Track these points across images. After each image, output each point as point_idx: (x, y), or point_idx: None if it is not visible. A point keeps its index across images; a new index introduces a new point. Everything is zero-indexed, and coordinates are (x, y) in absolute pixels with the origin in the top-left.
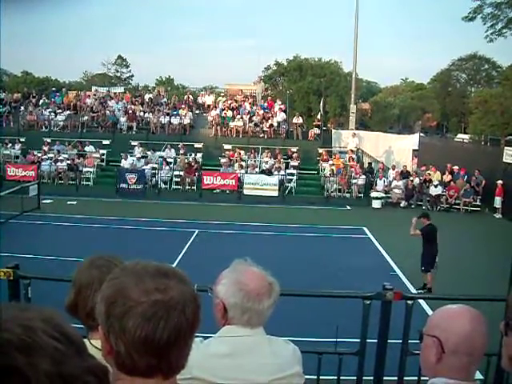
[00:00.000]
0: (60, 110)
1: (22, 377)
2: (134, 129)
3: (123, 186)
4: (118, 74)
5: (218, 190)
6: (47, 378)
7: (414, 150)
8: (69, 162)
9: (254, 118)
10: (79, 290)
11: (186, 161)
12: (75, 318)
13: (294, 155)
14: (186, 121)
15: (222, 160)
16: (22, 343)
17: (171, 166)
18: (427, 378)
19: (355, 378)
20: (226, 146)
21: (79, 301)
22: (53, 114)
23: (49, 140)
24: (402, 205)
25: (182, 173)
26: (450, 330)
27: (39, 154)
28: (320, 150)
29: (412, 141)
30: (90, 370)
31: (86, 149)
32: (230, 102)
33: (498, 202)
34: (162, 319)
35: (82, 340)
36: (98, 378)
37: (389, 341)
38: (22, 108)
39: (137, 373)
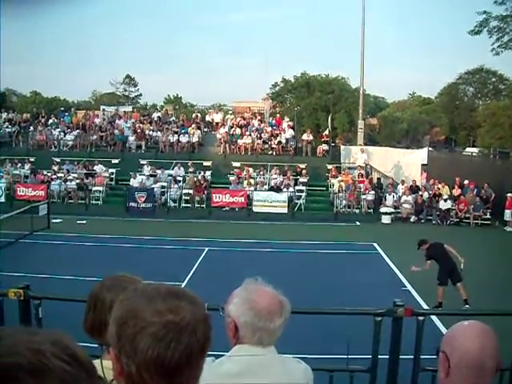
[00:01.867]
0: (69, 130)
1: None
2: (143, 147)
3: (133, 204)
4: (126, 93)
5: (227, 208)
6: None
7: (422, 165)
8: (78, 181)
9: (262, 135)
10: (93, 310)
11: (195, 179)
12: (94, 339)
13: (303, 172)
14: (195, 139)
15: (231, 177)
16: (31, 366)
17: (180, 184)
18: None
19: None
20: (235, 164)
21: (95, 321)
22: (62, 133)
23: (58, 160)
24: (411, 220)
25: (191, 191)
26: (455, 345)
27: (49, 174)
28: (329, 167)
29: (421, 155)
30: None
31: (95, 168)
32: (238, 119)
33: (508, 215)
34: (174, 340)
35: (91, 362)
36: None
37: (401, 357)
38: (32, 128)
39: None
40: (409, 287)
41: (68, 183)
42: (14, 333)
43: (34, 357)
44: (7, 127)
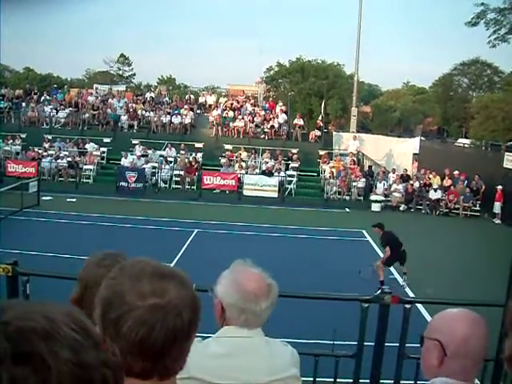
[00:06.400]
0: (61, 107)
1: (43, 363)
2: (135, 127)
3: (123, 184)
4: (120, 72)
5: (217, 190)
6: (67, 366)
7: (414, 154)
8: (69, 159)
9: (255, 119)
10: (85, 287)
11: (187, 160)
12: None
13: (295, 157)
14: (187, 120)
15: (223, 160)
16: (44, 332)
17: (171, 165)
18: (424, 382)
19: (352, 380)
20: (227, 147)
21: (85, 298)
22: (54, 110)
23: (49, 137)
24: (401, 208)
25: (182, 172)
26: (452, 334)
27: (40, 151)
28: (320, 152)
29: (413, 144)
30: (106, 363)
31: (87, 146)
32: (231, 102)
33: (497, 207)
34: (158, 323)
35: (99, 334)
36: (113, 371)
37: (386, 344)
38: (24, 104)
39: (132, 375)
40: (396, 275)
41: (59, 161)
42: (26, 302)
43: (47, 323)
44: None
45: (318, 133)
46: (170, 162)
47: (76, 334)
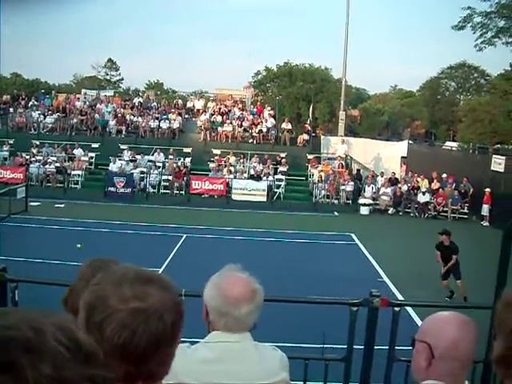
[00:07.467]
0: (49, 112)
1: (20, 376)
2: (123, 132)
3: (111, 189)
4: (108, 77)
5: (206, 195)
6: (46, 380)
7: (402, 157)
8: (57, 164)
9: (243, 124)
10: (72, 290)
11: (175, 165)
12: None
13: (283, 161)
14: (175, 125)
15: (211, 165)
16: (27, 343)
17: (160, 170)
18: None
19: None
20: (215, 151)
21: (69, 299)
22: (42, 116)
23: (37, 142)
24: (389, 212)
25: (170, 177)
26: (440, 336)
27: (27, 157)
28: (309, 156)
29: (400, 148)
30: (91, 378)
31: (75, 152)
32: (219, 107)
33: (485, 209)
34: (140, 326)
35: (94, 348)
36: None
37: (375, 347)
38: (11, 110)
39: (117, 380)
40: (385, 278)
41: (47, 166)
42: (20, 311)
43: (33, 335)
44: None
45: (306, 137)
46: (159, 167)
47: (63, 347)
